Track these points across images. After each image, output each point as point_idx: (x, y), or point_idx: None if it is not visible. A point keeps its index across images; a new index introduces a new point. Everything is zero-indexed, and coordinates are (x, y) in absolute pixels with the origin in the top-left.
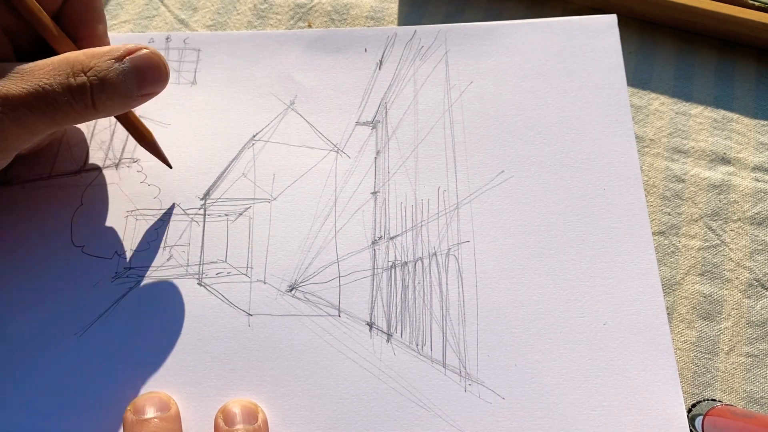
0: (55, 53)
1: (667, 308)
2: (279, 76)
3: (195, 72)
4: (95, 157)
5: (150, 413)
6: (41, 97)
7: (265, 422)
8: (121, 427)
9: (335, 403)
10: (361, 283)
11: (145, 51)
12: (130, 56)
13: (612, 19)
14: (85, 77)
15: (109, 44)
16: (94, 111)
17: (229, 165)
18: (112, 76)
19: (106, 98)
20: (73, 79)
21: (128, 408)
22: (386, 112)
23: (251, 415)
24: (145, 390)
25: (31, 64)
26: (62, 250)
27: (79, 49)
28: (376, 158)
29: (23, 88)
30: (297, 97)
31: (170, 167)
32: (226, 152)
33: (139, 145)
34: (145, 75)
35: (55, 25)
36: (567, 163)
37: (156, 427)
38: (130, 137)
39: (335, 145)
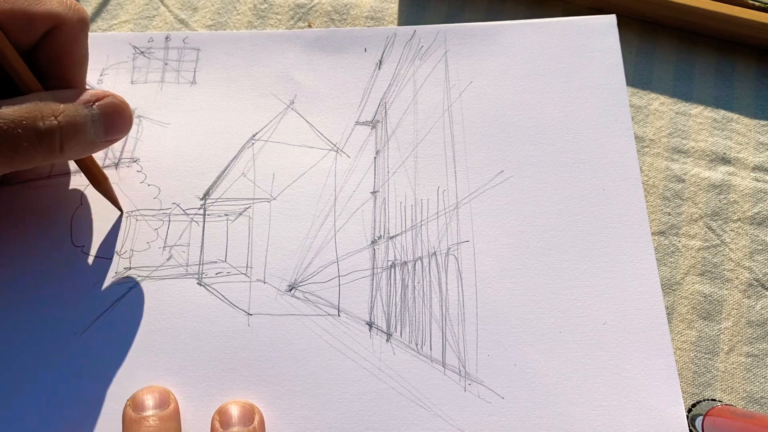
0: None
1: (667, 308)
2: (279, 76)
3: (194, 72)
4: (95, 157)
5: (149, 409)
6: (4, 140)
7: (262, 423)
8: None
9: (335, 403)
10: (361, 283)
11: (111, 99)
12: (98, 102)
13: (611, 19)
14: (55, 121)
15: (84, 87)
16: (60, 155)
17: (228, 165)
18: (81, 121)
19: (75, 143)
20: (41, 123)
21: (127, 402)
22: (386, 112)
23: (247, 416)
24: None
25: None
26: (62, 250)
27: (48, 88)
28: (375, 158)
29: None
30: (297, 96)
31: (121, 211)
32: (226, 152)
33: (138, 145)
34: (113, 122)
35: (21, 62)
36: (566, 163)
37: (155, 425)
38: (131, 137)
39: (335, 145)
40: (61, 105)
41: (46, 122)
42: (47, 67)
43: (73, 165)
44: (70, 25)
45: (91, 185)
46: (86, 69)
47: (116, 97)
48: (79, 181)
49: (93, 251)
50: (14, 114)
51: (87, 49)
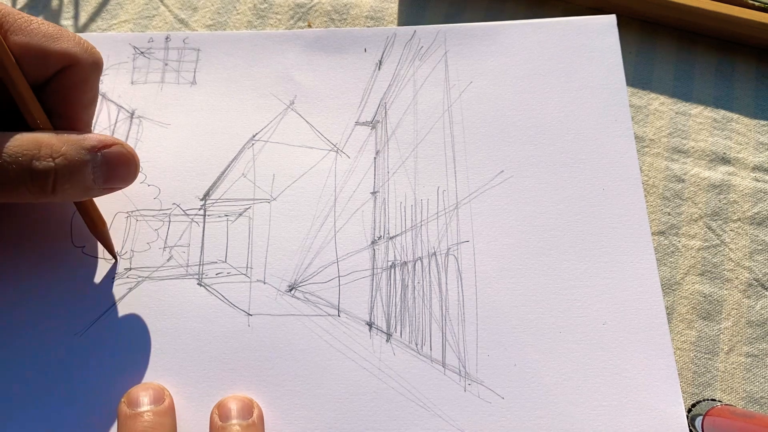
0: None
1: (667, 308)
2: (279, 76)
3: (194, 72)
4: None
5: (144, 405)
6: None
7: (261, 417)
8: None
9: (335, 403)
10: (361, 283)
11: (118, 148)
12: (105, 150)
13: (611, 19)
14: (51, 163)
15: (90, 128)
16: (52, 196)
17: (228, 165)
18: (79, 166)
19: (69, 187)
20: (37, 163)
21: (122, 399)
22: (386, 112)
23: (246, 410)
24: None
25: None
26: (62, 251)
27: (56, 126)
28: (375, 158)
29: None
30: (297, 97)
31: (116, 260)
32: (226, 152)
33: (139, 145)
34: (115, 171)
35: (33, 96)
36: (566, 163)
37: (149, 420)
38: (131, 137)
39: (335, 145)
40: (63, 147)
41: (42, 162)
42: (55, 105)
43: None
44: (83, 66)
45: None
46: (94, 110)
47: (125, 146)
48: None
49: (93, 251)
50: (11, 149)
51: (97, 91)
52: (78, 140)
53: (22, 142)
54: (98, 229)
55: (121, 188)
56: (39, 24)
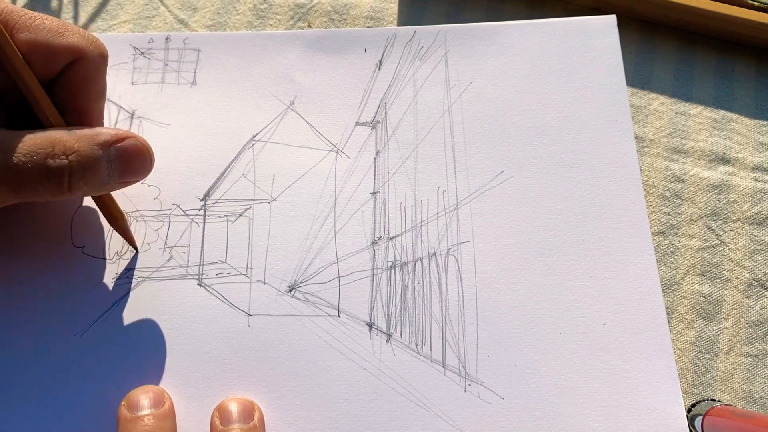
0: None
1: (667, 308)
2: (279, 77)
3: (195, 72)
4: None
5: (144, 408)
6: (11, 174)
7: (261, 420)
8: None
9: (335, 403)
10: (361, 284)
11: (132, 141)
12: (119, 144)
13: (611, 19)
14: (65, 160)
15: (102, 123)
16: (68, 192)
17: (228, 165)
18: (95, 163)
19: (84, 183)
20: (52, 161)
21: (122, 402)
22: (386, 113)
23: (247, 413)
24: None
25: (11, 136)
26: (62, 251)
27: (68, 121)
28: (375, 158)
29: None
30: (297, 97)
31: (137, 250)
32: (226, 153)
33: None
34: (130, 165)
35: (43, 93)
36: (566, 163)
37: (150, 424)
38: None
39: (335, 146)
40: (76, 144)
41: (56, 160)
42: (65, 100)
43: None
44: (90, 59)
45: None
46: (104, 103)
47: (138, 139)
48: None
49: (93, 252)
50: (26, 148)
51: (105, 83)
52: (91, 136)
53: (36, 140)
54: (117, 223)
55: (137, 181)
56: (43, 20)
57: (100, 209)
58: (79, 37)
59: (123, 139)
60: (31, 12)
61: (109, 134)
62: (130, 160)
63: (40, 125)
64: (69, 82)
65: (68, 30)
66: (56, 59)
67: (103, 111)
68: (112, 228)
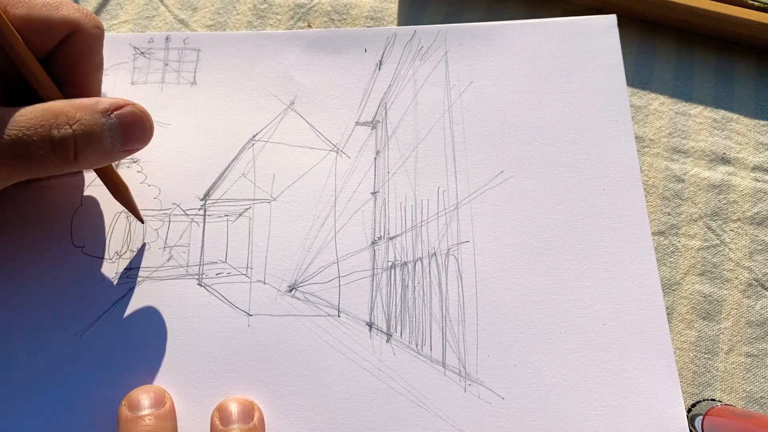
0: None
1: (667, 308)
2: (279, 77)
3: (195, 72)
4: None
5: (145, 408)
6: (18, 148)
7: (261, 420)
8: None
9: (335, 403)
10: (361, 284)
11: (131, 108)
12: (117, 111)
13: (612, 19)
14: (69, 129)
15: (100, 95)
16: (75, 163)
17: (228, 165)
18: (97, 130)
19: (90, 152)
20: (56, 131)
21: (123, 402)
22: (386, 113)
23: (247, 413)
24: None
25: (13, 112)
26: (62, 251)
27: (66, 95)
28: (375, 158)
29: (1, 138)
30: (297, 97)
31: (142, 222)
32: (226, 152)
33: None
34: (131, 132)
35: (40, 68)
36: (567, 163)
37: (150, 424)
38: None
39: (335, 146)
40: (77, 113)
41: (60, 130)
42: (63, 74)
43: None
44: (86, 32)
45: (107, 192)
46: (101, 76)
47: (136, 106)
48: (78, 181)
49: (93, 252)
50: (29, 122)
51: (102, 56)
52: (91, 105)
53: (37, 113)
54: (121, 194)
55: (139, 149)
56: None
57: (104, 182)
58: (74, 10)
59: (122, 107)
60: None
61: (107, 102)
62: (131, 126)
63: (39, 101)
64: (65, 55)
65: (62, 3)
66: (52, 33)
67: (100, 84)
68: (112, 229)
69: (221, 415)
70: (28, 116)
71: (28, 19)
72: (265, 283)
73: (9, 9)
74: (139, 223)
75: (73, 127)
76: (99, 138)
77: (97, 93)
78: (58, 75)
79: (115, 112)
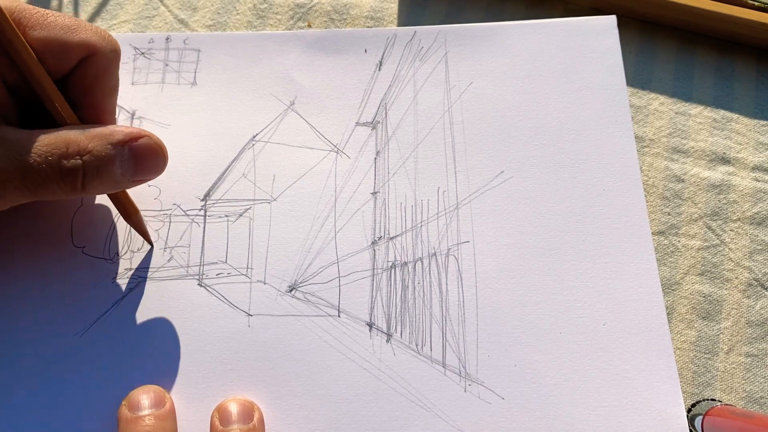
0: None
1: (667, 308)
2: (279, 77)
3: (195, 72)
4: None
5: (145, 409)
6: (29, 174)
7: (261, 421)
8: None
9: (335, 403)
10: (361, 284)
11: (146, 140)
12: (132, 144)
13: (612, 19)
14: (79, 161)
15: (115, 120)
16: (82, 192)
17: (229, 166)
18: (108, 163)
19: (98, 183)
20: (66, 161)
21: (123, 403)
22: (386, 113)
23: (247, 413)
24: None
25: (26, 136)
26: (62, 251)
27: (81, 117)
28: (375, 159)
29: (10, 162)
30: (297, 97)
31: (151, 245)
32: (226, 153)
33: None
34: (144, 164)
35: (56, 90)
36: (567, 163)
37: (150, 424)
38: None
39: (335, 146)
40: (90, 144)
41: (71, 161)
42: (79, 96)
43: None
44: (103, 55)
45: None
46: (117, 98)
47: (152, 137)
48: None
49: (93, 252)
50: (41, 149)
51: (118, 78)
52: (105, 135)
53: (50, 141)
54: (132, 218)
55: (150, 179)
56: (55, 17)
57: (115, 206)
58: (91, 33)
59: (137, 138)
60: (43, 9)
61: (123, 133)
62: (144, 159)
63: (54, 122)
64: (82, 78)
65: (80, 26)
66: (69, 55)
67: (115, 106)
68: (112, 229)
69: (221, 415)
70: (41, 143)
71: (46, 41)
72: (265, 284)
73: (28, 31)
74: None
75: (84, 158)
76: (108, 170)
77: (111, 115)
78: (73, 96)
79: (130, 144)
